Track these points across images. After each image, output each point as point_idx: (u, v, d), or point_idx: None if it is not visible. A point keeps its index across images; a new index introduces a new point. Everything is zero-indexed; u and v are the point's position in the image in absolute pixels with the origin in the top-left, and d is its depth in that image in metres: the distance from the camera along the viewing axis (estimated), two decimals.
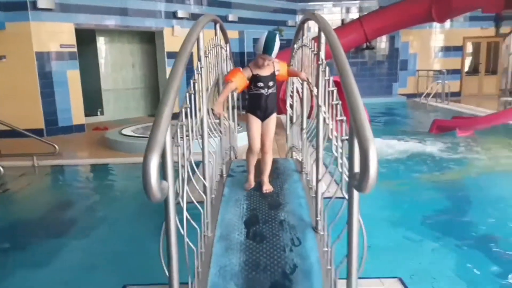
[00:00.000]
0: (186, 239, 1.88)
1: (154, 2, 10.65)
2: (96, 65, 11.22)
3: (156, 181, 1.36)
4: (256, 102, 3.15)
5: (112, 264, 3.51)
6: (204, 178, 2.67)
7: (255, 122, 3.18)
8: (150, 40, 11.77)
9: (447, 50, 15.59)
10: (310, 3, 15.08)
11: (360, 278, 2.97)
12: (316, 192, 2.70)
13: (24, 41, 8.77)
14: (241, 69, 3.15)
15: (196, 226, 2.18)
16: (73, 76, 9.44)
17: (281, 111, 9.19)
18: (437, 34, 15.46)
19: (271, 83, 3.12)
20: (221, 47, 3.62)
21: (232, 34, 12.44)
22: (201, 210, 2.43)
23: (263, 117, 3.19)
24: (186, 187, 1.99)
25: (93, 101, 11.03)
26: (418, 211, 4.67)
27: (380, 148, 7.26)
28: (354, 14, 14.78)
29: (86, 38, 10.40)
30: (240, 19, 12.68)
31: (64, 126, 9.35)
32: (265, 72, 3.09)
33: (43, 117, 9.04)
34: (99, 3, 9.60)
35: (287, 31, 13.76)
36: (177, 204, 1.84)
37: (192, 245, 2.00)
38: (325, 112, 2.47)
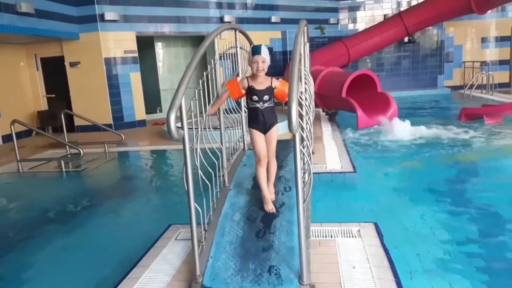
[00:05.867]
0: (200, 172, 2.87)
1: (204, 10, 11.84)
2: (154, 68, 12.74)
3: (174, 127, 2.36)
4: (254, 116, 3.25)
5: (164, 213, 4.77)
6: (221, 139, 3.67)
7: (258, 136, 3.27)
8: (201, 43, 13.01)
9: (495, 40, 15.44)
10: (351, 1, 15.59)
11: (342, 222, 3.86)
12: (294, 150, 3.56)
13: (95, 49, 10.34)
14: (238, 79, 3.40)
15: (211, 171, 3.19)
16: (135, 78, 10.92)
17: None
18: (484, 25, 15.34)
19: (266, 97, 3.20)
20: (240, 48, 4.59)
21: (275, 34, 13.40)
22: (215, 161, 3.44)
23: (264, 130, 3.28)
24: (200, 132, 2.98)
25: (152, 100, 12.53)
26: (424, 181, 5.37)
27: (408, 133, 7.89)
28: (397, 10, 15.09)
29: (145, 44, 11.88)
30: (283, 20, 13.53)
31: (129, 121, 10.85)
32: (260, 86, 3.19)
33: (111, 114, 10.58)
34: (157, 13, 10.99)
35: (329, 29, 14.45)
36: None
37: (207, 181, 3.00)
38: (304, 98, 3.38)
